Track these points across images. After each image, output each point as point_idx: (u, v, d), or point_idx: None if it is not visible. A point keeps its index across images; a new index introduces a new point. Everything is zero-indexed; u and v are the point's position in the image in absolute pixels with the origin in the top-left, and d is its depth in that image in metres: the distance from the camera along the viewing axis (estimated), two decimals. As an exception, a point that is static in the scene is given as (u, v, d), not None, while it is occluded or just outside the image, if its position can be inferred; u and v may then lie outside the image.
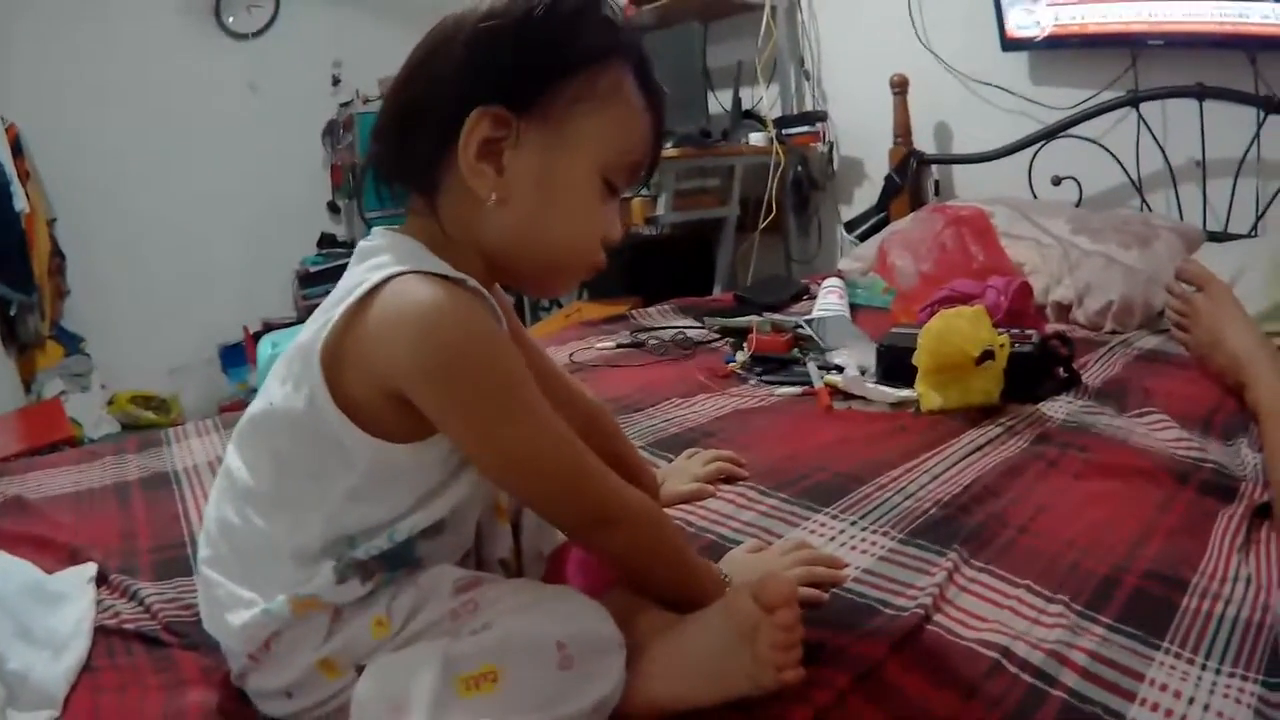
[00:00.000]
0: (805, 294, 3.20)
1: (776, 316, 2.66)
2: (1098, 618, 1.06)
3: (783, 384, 2.13)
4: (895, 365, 1.96)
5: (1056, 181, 3.25)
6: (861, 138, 4.05)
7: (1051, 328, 2.35)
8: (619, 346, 2.65)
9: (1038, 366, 1.94)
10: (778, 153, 3.91)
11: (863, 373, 2.06)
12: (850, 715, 0.94)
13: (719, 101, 4.35)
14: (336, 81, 5.89)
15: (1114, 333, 2.50)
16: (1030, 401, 1.86)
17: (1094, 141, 3.18)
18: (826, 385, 2.01)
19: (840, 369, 2.09)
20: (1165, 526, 1.28)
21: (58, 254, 5.09)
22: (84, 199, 5.10)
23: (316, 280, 5.62)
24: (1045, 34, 3.20)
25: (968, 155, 3.64)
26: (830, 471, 1.56)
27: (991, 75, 3.49)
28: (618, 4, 1.09)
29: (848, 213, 4.11)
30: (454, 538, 1.11)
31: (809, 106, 4.22)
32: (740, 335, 2.51)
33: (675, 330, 2.76)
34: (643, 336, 2.70)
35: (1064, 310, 2.63)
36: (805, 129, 4.05)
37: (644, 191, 3.88)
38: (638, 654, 0.99)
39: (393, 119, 1.08)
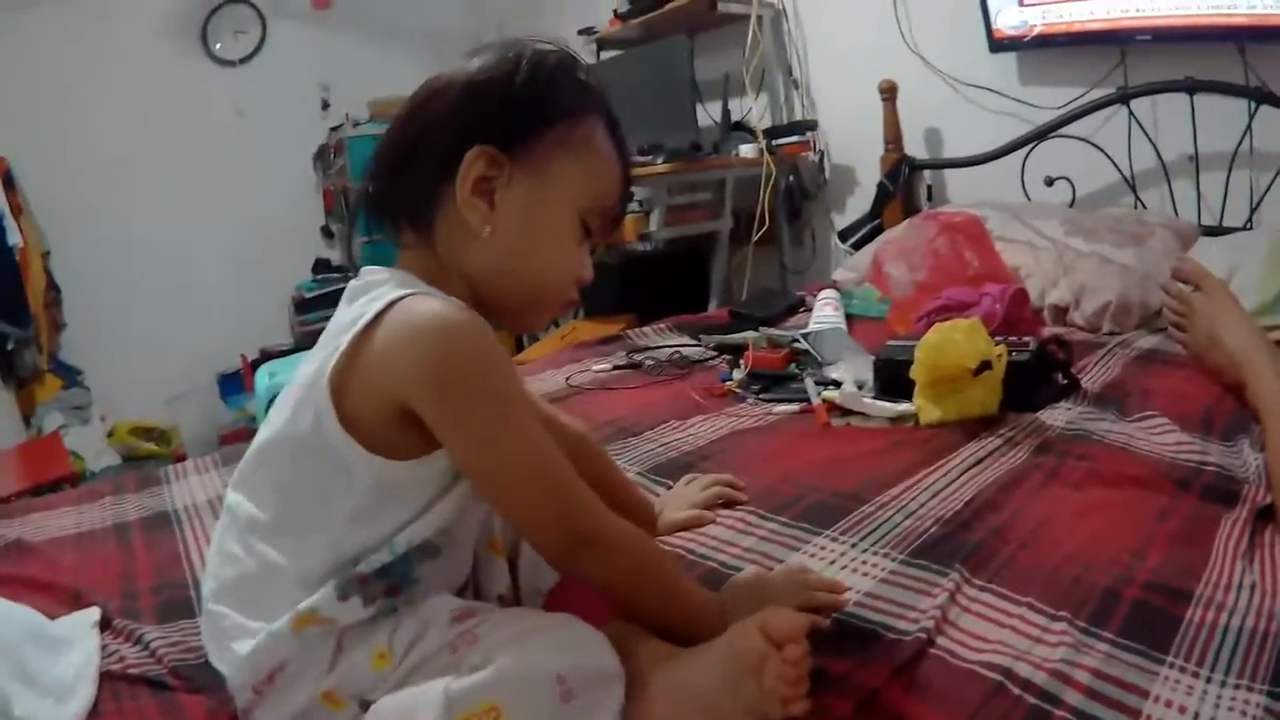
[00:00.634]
0: (801, 306, 3.19)
1: (773, 331, 2.66)
2: (1101, 633, 1.04)
3: (780, 401, 2.12)
4: (893, 379, 1.94)
5: (1049, 182, 3.24)
6: (852, 145, 4.05)
7: (1049, 332, 2.34)
8: (615, 368, 2.64)
9: (1035, 374, 1.92)
10: (769, 163, 3.91)
11: (860, 387, 2.04)
12: (853, 743, 0.92)
13: (708, 114, 4.36)
14: (326, 105, 5.94)
15: (1112, 333, 2.48)
16: (1029, 410, 1.84)
17: (1085, 140, 3.18)
18: (824, 401, 1.99)
19: (838, 384, 2.08)
20: (1167, 534, 1.27)
21: (53, 287, 5.12)
22: (77, 231, 5.15)
23: (312, 306, 5.63)
24: (1033, 33, 3.19)
25: (959, 159, 3.63)
26: (829, 491, 1.54)
27: (980, 77, 3.49)
28: (586, 67, 1.19)
29: (841, 221, 4.10)
30: (451, 561, 1.13)
31: (798, 116, 4.24)
32: (737, 352, 2.50)
33: (671, 350, 2.74)
34: (639, 357, 2.69)
35: (1061, 313, 2.62)
36: (795, 138, 4.07)
37: (636, 208, 3.89)
38: (639, 685, 0.99)
39: (390, 158, 1.16)
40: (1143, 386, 1.97)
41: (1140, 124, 3.04)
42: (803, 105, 4.27)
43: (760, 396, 2.18)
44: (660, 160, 3.84)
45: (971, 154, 3.54)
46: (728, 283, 4.23)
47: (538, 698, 0.92)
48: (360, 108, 5.58)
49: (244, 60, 5.64)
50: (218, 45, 5.57)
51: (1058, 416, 1.81)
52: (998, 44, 3.32)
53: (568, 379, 2.57)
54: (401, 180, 1.15)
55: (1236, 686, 0.94)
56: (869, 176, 3.90)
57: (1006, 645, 1.04)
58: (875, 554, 1.31)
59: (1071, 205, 3.21)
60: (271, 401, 1.16)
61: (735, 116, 4.30)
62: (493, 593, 1.22)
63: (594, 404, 2.32)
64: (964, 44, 3.46)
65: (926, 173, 3.76)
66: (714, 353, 2.68)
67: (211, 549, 1.16)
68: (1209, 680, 0.95)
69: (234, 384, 5.59)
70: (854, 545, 1.34)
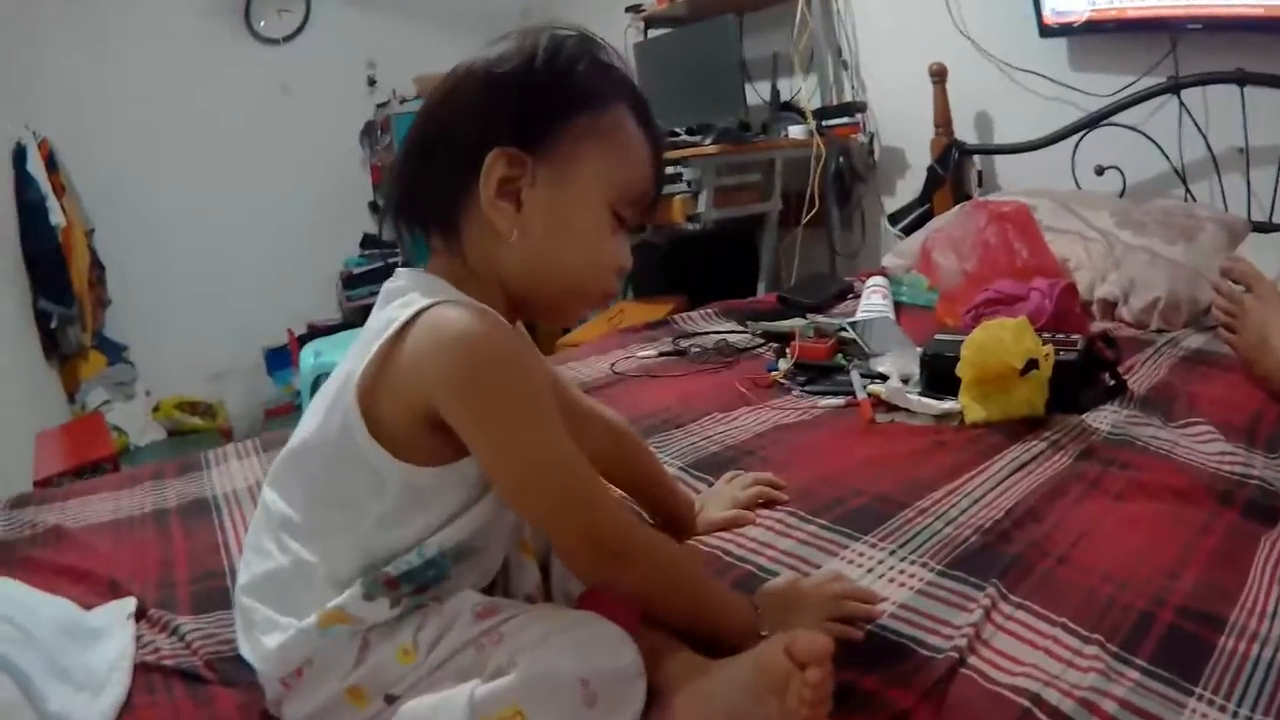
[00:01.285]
0: (850, 293, 3.17)
1: (820, 319, 2.66)
2: (1133, 659, 1.03)
3: (825, 394, 2.11)
4: (939, 374, 1.93)
5: (1100, 171, 3.20)
6: (902, 128, 4.02)
7: (1097, 327, 2.32)
8: (661, 355, 2.64)
9: (1083, 374, 1.90)
10: (818, 145, 3.87)
11: (906, 381, 2.03)
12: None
13: (757, 93, 4.33)
14: (372, 82, 5.94)
15: (1160, 330, 2.46)
16: (1075, 411, 1.83)
17: (1135, 130, 3.13)
18: (869, 396, 1.99)
19: (884, 378, 2.07)
20: (1204, 553, 1.25)
21: (97, 265, 5.16)
22: (121, 209, 5.19)
23: (360, 281, 5.69)
24: (1083, 19, 3.15)
25: (1009, 145, 3.59)
26: (870, 494, 1.53)
27: (1030, 62, 3.44)
28: (608, 50, 1.16)
29: (891, 204, 4.07)
30: (482, 560, 1.15)
31: (848, 97, 4.20)
32: (784, 340, 2.50)
33: (718, 337, 2.75)
34: (684, 344, 2.69)
35: (1109, 307, 2.59)
36: (845, 120, 4.04)
37: (684, 188, 3.87)
38: (665, 697, 1.01)
39: (411, 163, 1.15)
40: (1189, 390, 1.95)
41: (1190, 114, 2.99)
42: (852, 86, 4.22)
43: (805, 389, 2.17)
44: (708, 141, 3.82)
45: (1022, 139, 3.50)
46: (776, 265, 4.20)
47: (561, 701, 0.93)
48: (406, 84, 5.58)
49: (288, 39, 5.64)
50: (261, 23, 5.57)
51: (1103, 419, 1.80)
52: (1047, 29, 3.28)
53: (613, 366, 2.57)
54: (425, 184, 1.14)
55: (1263, 723, 0.93)
56: (919, 159, 3.86)
57: (1039, 669, 1.03)
58: (913, 563, 1.30)
59: (1122, 195, 3.17)
60: (317, 382, 1.19)
61: (784, 97, 4.28)
62: (521, 592, 1.23)
63: (638, 393, 2.32)
64: (1014, 28, 3.42)
65: (976, 157, 3.71)
66: (760, 340, 2.67)
67: (247, 542, 1.20)
68: (1235, 715, 0.95)
69: (281, 359, 5.64)
70: (892, 553, 1.34)
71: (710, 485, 1.66)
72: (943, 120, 3.66)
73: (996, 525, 1.39)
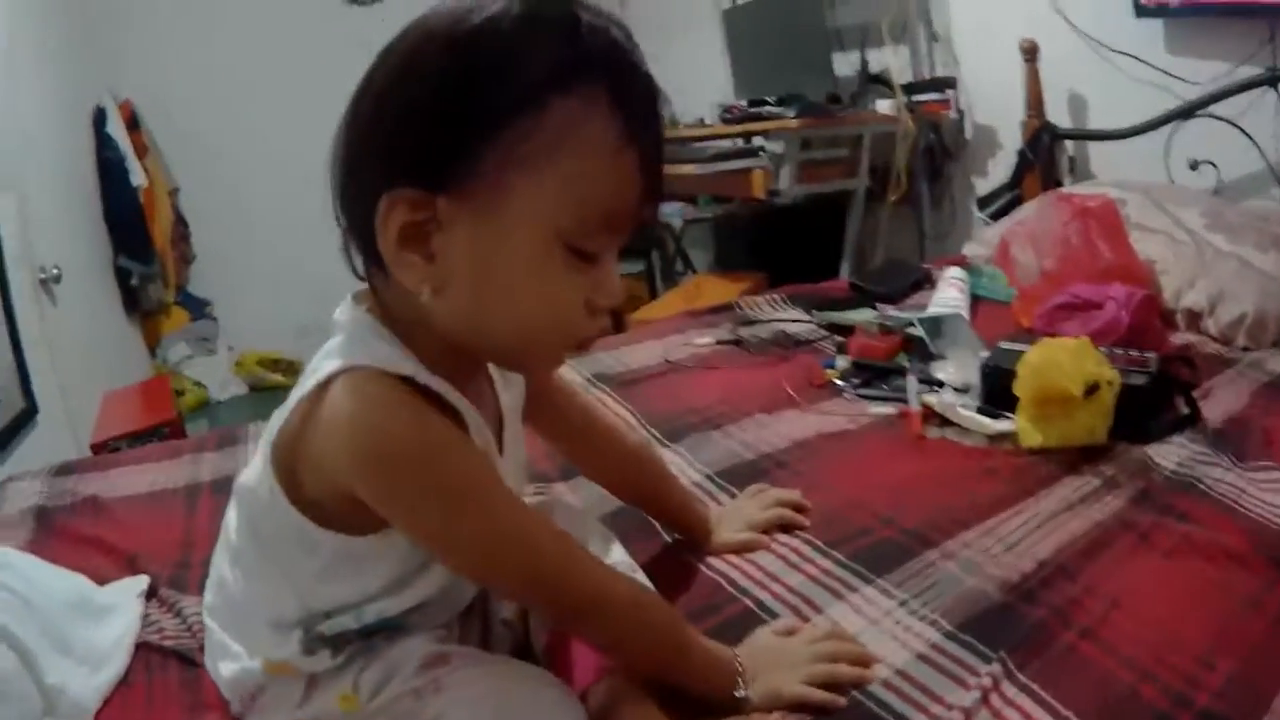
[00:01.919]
0: (926, 282, 3.01)
1: (891, 311, 2.54)
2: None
3: (878, 399, 2.01)
4: (999, 388, 1.77)
5: (1194, 165, 3.00)
6: (993, 106, 3.82)
7: (1178, 339, 2.15)
8: (717, 344, 2.55)
9: (1152, 400, 1.74)
10: (907, 121, 3.72)
11: (966, 390, 1.90)
12: None
13: (848, 63, 4.16)
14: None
15: (1246, 349, 2.25)
16: (1141, 441, 1.66)
17: (1230, 122, 2.91)
18: (923, 406, 1.86)
19: (941, 385, 1.95)
20: (1248, 637, 1.11)
21: (181, 223, 5.27)
22: (206, 168, 5.32)
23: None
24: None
25: (1101, 131, 3.37)
26: (897, 527, 1.42)
27: (1125, 43, 3.21)
28: (571, 7, 0.88)
29: (982, 186, 3.87)
30: (439, 608, 1.10)
31: (939, 71, 4.01)
32: (847, 333, 2.39)
33: (777, 328, 2.64)
34: (743, 333, 2.58)
35: (1195, 318, 2.38)
36: (935, 96, 3.87)
37: (765, 162, 3.74)
38: None
39: (333, 180, 0.94)
40: (1265, 425, 1.77)
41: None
42: (943, 61, 4.03)
43: (859, 392, 2.07)
44: (792, 113, 3.69)
45: (1115, 125, 3.28)
46: (861, 245, 4.05)
47: None
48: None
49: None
50: (351, -16, 5.56)
51: (1169, 455, 1.63)
52: (1143, 9, 3.06)
53: (666, 353, 2.48)
54: (345, 208, 0.94)
55: None
56: (1011, 140, 3.66)
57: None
58: (923, 618, 1.19)
59: (1216, 193, 2.95)
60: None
61: (873, 69, 4.10)
62: (499, 615, 1.20)
63: (686, 386, 2.25)
64: (1109, 5, 3.19)
65: (1069, 143, 3.51)
66: (824, 331, 2.56)
67: (213, 558, 1.16)
68: None
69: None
70: (903, 603, 1.23)
71: (734, 498, 1.58)
72: (1034, 101, 3.46)
73: (1024, 581, 1.25)
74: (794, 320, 2.71)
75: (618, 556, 1.21)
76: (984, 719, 1.00)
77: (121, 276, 4.87)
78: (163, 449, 2.23)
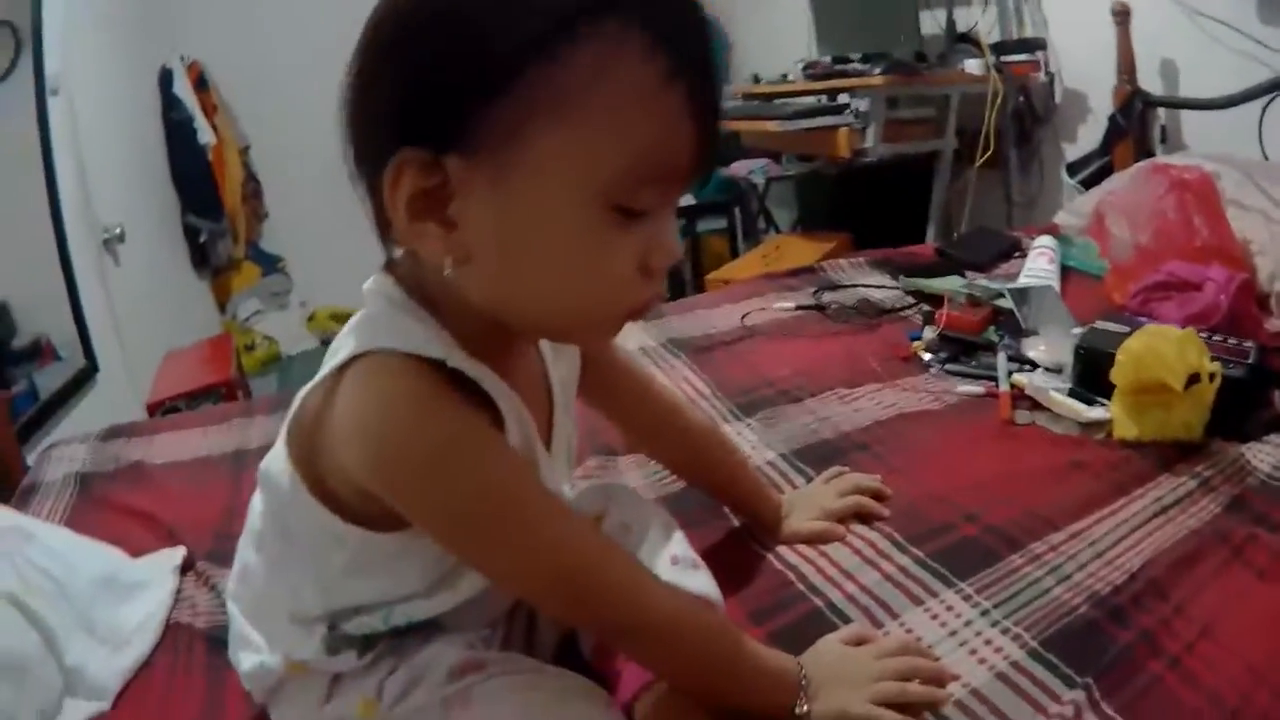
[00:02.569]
0: (1016, 251, 2.94)
1: (980, 280, 2.49)
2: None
3: (965, 377, 1.96)
4: (1093, 371, 1.72)
5: (1287, 141, 2.86)
6: (1084, 70, 3.70)
7: (1272, 326, 2.05)
8: (798, 309, 2.52)
9: (1251, 394, 1.66)
10: (995, 82, 3.63)
11: (1059, 371, 1.86)
12: None
13: (936, 21, 4.07)
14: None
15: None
16: (1237, 439, 1.59)
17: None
18: (1013, 388, 1.82)
19: (1033, 365, 1.91)
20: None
21: (252, 179, 5.32)
22: (278, 126, 5.38)
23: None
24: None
25: (1194, 100, 3.23)
26: (981, 524, 1.35)
27: (1218, 9, 3.07)
28: None
29: (1072, 152, 3.76)
30: (480, 608, 1.04)
31: (1028, 32, 3.90)
32: (934, 302, 2.34)
33: (860, 295, 2.59)
34: (825, 298, 2.54)
35: (1290, 306, 2.29)
36: (1024, 57, 3.78)
37: (851, 120, 3.69)
38: None
39: (344, 142, 0.85)
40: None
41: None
42: (1033, 20, 3.91)
43: (946, 368, 2.03)
44: (877, 71, 3.64)
45: (1209, 94, 3.14)
46: (948, 209, 3.99)
47: None
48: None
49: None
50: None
51: (1264, 457, 1.53)
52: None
53: (744, 318, 2.46)
54: (357, 174, 0.85)
55: None
56: (1101, 105, 3.54)
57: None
58: (1005, 631, 1.12)
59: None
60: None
61: (960, 27, 4.02)
62: (545, 616, 1.14)
63: (763, 353, 2.23)
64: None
65: (1161, 111, 3.39)
66: (910, 299, 2.51)
67: (240, 540, 1.10)
68: None
69: (437, 270, 5.69)
70: (985, 613, 1.16)
71: (809, 480, 1.53)
72: (1126, 66, 3.34)
73: (1114, 595, 1.17)
74: (879, 286, 2.66)
75: (678, 550, 1.10)
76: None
77: (190, 234, 4.97)
78: (212, 413, 2.23)
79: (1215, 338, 1.76)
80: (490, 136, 0.75)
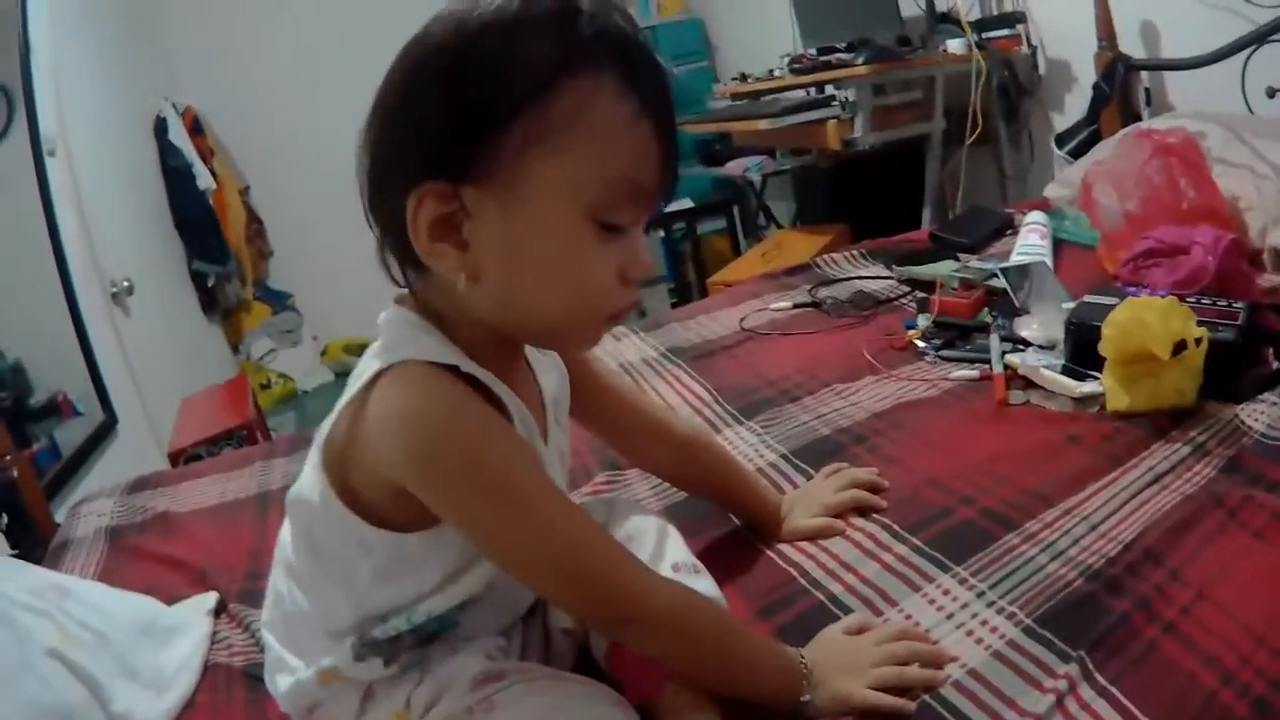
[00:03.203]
0: (1009, 228, 2.95)
1: (973, 262, 2.51)
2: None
3: (960, 362, 1.97)
4: (1085, 345, 1.71)
5: (1271, 93, 2.84)
6: (1065, 39, 3.69)
7: (1266, 283, 2.06)
8: (795, 307, 2.54)
9: (1242, 355, 1.66)
10: (978, 59, 3.63)
11: (1051, 348, 1.87)
12: None
13: (911, 4, 4.09)
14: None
15: (1336, 290, 2.13)
16: (1231, 401, 1.59)
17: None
18: (1006, 369, 1.83)
19: (1026, 344, 1.92)
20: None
21: (254, 219, 5.38)
22: (276, 165, 5.44)
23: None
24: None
25: (1176, 61, 3.20)
26: (977, 507, 1.37)
27: None
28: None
29: (1060, 122, 3.76)
30: (494, 609, 1.11)
31: (1006, 7, 3.91)
32: (928, 289, 2.35)
33: (856, 286, 2.61)
34: (821, 294, 2.56)
35: (1281, 258, 2.28)
36: (1006, 32, 3.77)
37: (839, 111, 3.72)
38: None
39: (362, 182, 1.00)
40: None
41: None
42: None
43: (940, 354, 2.03)
44: (860, 60, 3.65)
45: (1190, 54, 3.11)
46: (942, 190, 3.99)
47: None
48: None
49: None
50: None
51: (1259, 416, 1.52)
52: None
53: (742, 321, 2.49)
54: (377, 215, 0.99)
55: None
56: (1086, 74, 3.53)
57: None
58: (1000, 611, 1.14)
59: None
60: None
61: (939, 8, 4.02)
62: (558, 625, 1.20)
63: (763, 355, 2.25)
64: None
65: (1144, 74, 3.37)
66: (905, 288, 2.53)
67: (271, 572, 1.17)
68: None
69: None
70: (981, 594, 1.18)
71: (809, 479, 1.56)
72: (1106, 32, 3.32)
73: (1108, 567, 1.19)
74: (873, 277, 2.68)
75: (680, 556, 1.20)
76: (1060, 725, 0.96)
77: (198, 280, 5.00)
78: (233, 458, 2.27)
79: (1204, 301, 1.76)
80: (497, 168, 0.89)
